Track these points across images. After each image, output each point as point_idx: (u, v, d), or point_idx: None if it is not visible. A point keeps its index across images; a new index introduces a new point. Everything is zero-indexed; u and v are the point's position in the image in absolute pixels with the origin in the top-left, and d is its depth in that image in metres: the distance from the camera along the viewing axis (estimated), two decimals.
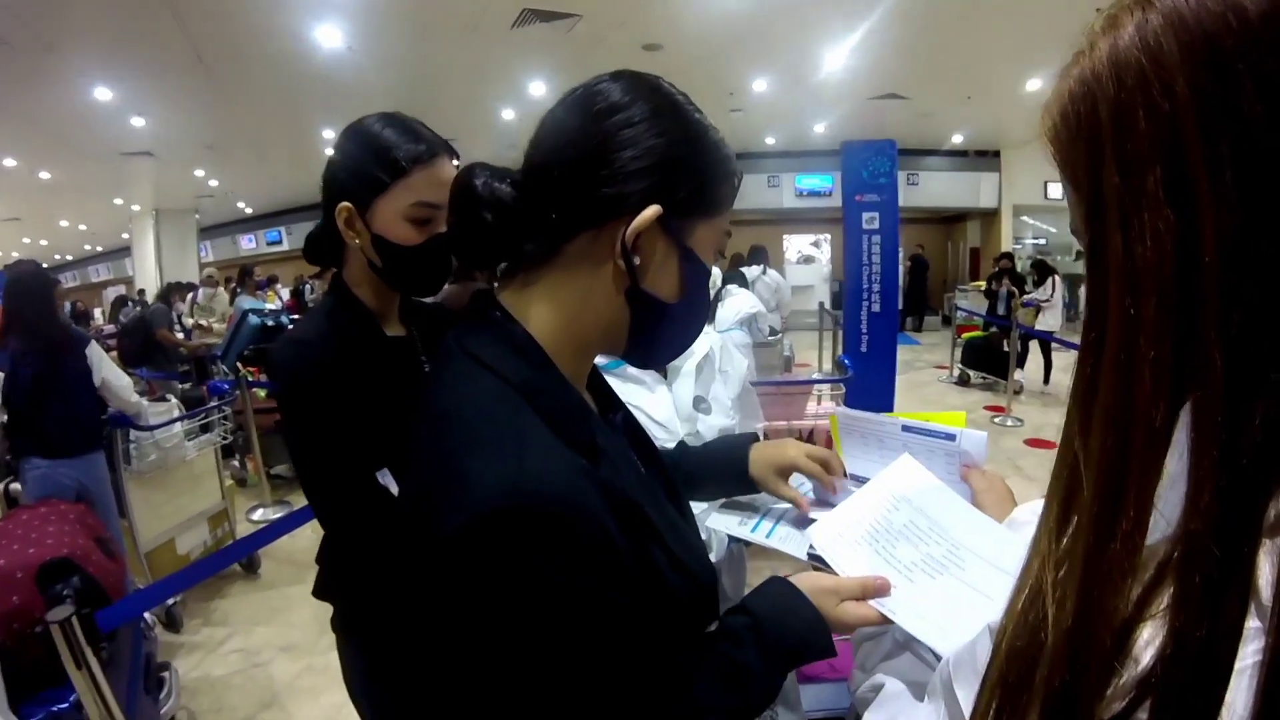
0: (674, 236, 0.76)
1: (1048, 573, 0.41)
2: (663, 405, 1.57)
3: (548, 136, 0.77)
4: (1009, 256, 9.88)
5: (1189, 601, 0.36)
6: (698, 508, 1.10)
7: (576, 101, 0.77)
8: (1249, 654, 0.35)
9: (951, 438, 1.11)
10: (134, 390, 3.58)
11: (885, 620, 0.84)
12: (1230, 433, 0.36)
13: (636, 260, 0.74)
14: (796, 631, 0.83)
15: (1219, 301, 0.36)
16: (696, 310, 0.83)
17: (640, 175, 0.73)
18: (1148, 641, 0.38)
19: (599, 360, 1.61)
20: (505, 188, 0.78)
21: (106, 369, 3.46)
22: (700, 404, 1.62)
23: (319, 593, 1.43)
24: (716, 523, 1.15)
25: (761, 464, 1.13)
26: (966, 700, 0.54)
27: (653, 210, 0.72)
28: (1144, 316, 0.38)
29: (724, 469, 1.15)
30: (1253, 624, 0.36)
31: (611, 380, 1.55)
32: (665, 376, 1.62)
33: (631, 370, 1.58)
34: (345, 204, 1.28)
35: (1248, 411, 0.36)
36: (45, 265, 4.57)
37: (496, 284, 0.83)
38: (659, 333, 0.81)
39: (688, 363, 1.62)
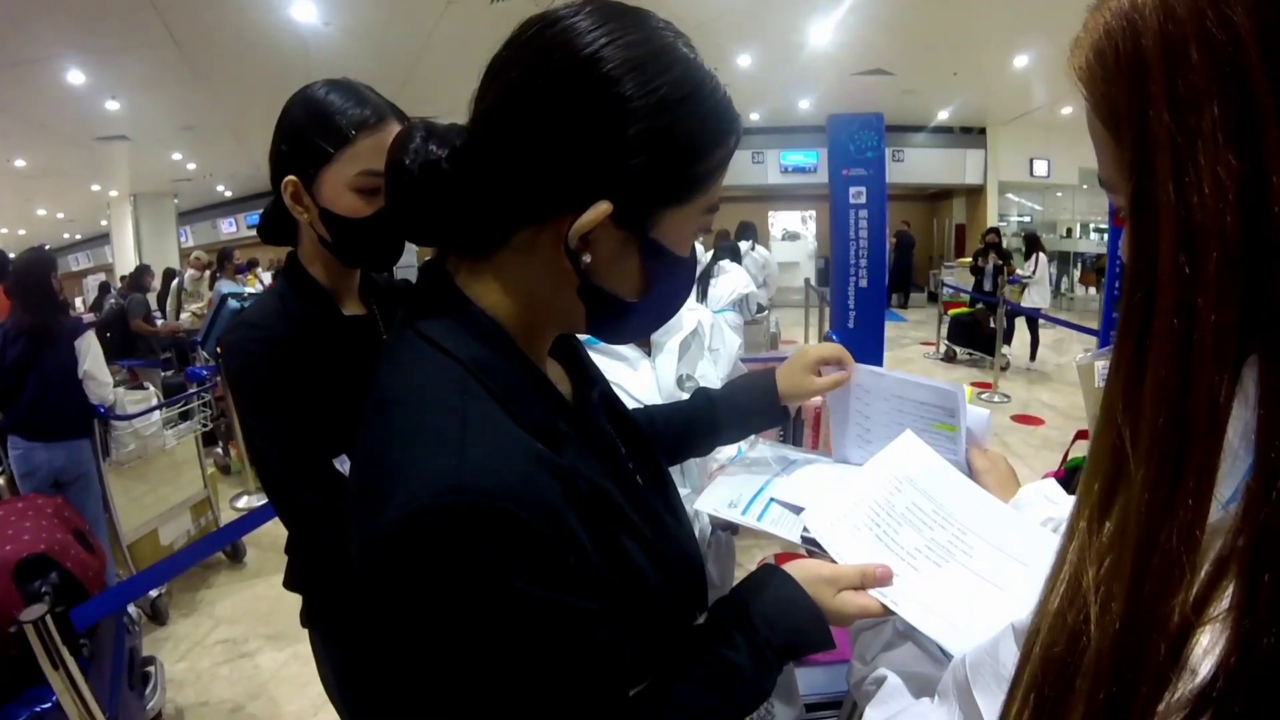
0: (633, 230, 0.66)
1: (1089, 567, 0.37)
2: (645, 382, 1.53)
3: (488, 94, 0.67)
4: (995, 232, 9.88)
5: (1257, 603, 0.31)
6: (684, 490, 1.07)
7: (528, 49, 0.65)
8: None
9: (953, 414, 1.06)
10: (110, 389, 3.54)
11: (887, 612, 0.80)
12: None
13: (586, 258, 0.66)
14: (791, 626, 0.78)
15: None
16: (667, 301, 0.76)
17: (589, 164, 0.63)
18: (1206, 650, 0.33)
19: (582, 335, 1.57)
20: (443, 157, 0.68)
21: (92, 363, 3.42)
22: (686, 382, 1.58)
23: (289, 584, 1.40)
24: (704, 504, 1.11)
25: (789, 380, 1.13)
26: (989, 710, 0.50)
27: (597, 211, 0.63)
28: (1203, 275, 0.33)
29: (754, 404, 1.14)
30: None
31: (593, 355, 1.52)
32: (649, 353, 1.58)
33: (613, 346, 1.54)
34: (290, 177, 1.22)
35: None
36: None
37: (449, 257, 0.75)
38: (621, 324, 0.74)
39: (671, 339, 1.58)
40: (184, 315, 8.09)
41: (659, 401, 1.52)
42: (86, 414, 3.48)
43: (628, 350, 1.55)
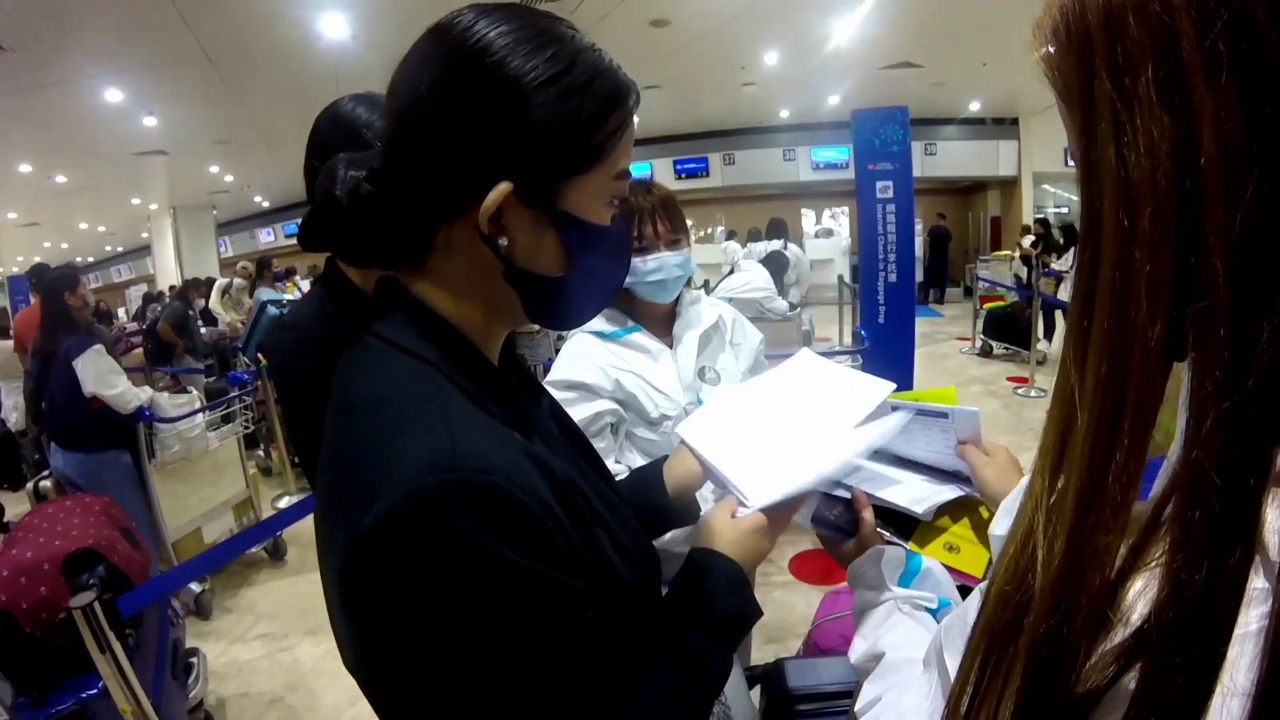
0: (541, 206, 0.68)
1: (1039, 515, 0.39)
2: (666, 373, 1.56)
3: (391, 108, 0.70)
4: (1043, 223, 9.71)
5: (1188, 541, 0.33)
6: None
7: (414, 57, 0.69)
8: (1254, 618, 0.32)
9: (944, 415, 1.06)
10: (130, 399, 3.61)
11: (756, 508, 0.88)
12: (1235, 353, 0.33)
13: (504, 242, 0.67)
14: (734, 601, 0.82)
15: (1220, 210, 0.33)
16: (601, 274, 0.76)
17: (476, 151, 0.65)
18: (1139, 593, 0.35)
19: (605, 328, 1.59)
20: (361, 179, 0.70)
21: (95, 383, 3.51)
22: (706, 374, 1.60)
23: None
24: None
25: (678, 468, 1.06)
26: (955, 667, 0.51)
27: (498, 193, 0.64)
28: (1139, 229, 0.36)
29: (649, 500, 1.04)
30: (1258, 584, 0.32)
31: (615, 347, 1.55)
32: (671, 345, 1.60)
33: (636, 338, 1.57)
34: None
35: (1254, 329, 0.33)
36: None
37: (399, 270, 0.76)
38: (559, 304, 0.74)
39: (689, 332, 1.60)
40: (223, 324, 8.31)
41: (679, 391, 1.55)
42: (107, 430, 3.60)
43: (649, 342, 1.57)
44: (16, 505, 3.43)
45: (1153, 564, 0.35)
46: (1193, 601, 0.32)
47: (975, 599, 0.54)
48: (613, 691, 0.66)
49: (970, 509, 1.02)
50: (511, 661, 0.59)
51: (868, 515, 0.97)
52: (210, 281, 9.93)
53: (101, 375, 3.53)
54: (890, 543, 0.97)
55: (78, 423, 3.57)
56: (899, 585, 0.89)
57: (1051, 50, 0.42)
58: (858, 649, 0.84)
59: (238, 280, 9.15)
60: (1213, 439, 0.33)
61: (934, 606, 0.86)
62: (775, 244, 7.45)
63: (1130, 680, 0.34)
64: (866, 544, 0.95)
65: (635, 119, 0.73)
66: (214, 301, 8.91)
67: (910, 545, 0.98)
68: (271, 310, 6.11)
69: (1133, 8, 0.36)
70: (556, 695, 0.61)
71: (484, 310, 0.73)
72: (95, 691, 2.04)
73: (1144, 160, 0.35)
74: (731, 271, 6.01)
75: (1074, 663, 0.35)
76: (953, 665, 0.52)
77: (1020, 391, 7.06)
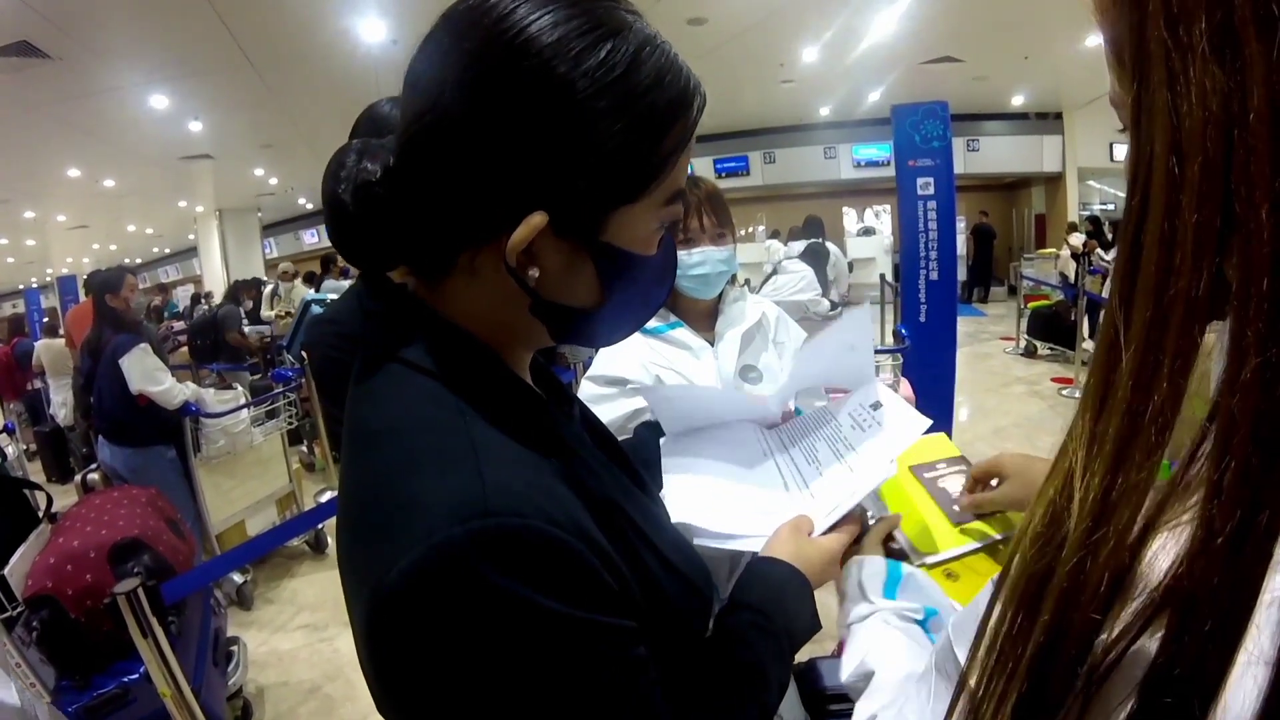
0: (579, 239, 0.59)
1: (1079, 452, 0.38)
2: (707, 372, 1.54)
3: (409, 101, 0.60)
4: (1094, 220, 9.54)
5: (1221, 490, 0.32)
6: None
7: (435, 49, 0.58)
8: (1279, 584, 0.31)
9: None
10: (176, 395, 3.72)
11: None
12: (1277, 304, 0.32)
13: (534, 273, 0.59)
14: (797, 612, 0.78)
15: (1267, 164, 0.33)
16: (637, 305, 0.68)
17: (509, 176, 0.55)
18: (1162, 548, 0.34)
19: (648, 324, 1.58)
20: (375, 179, 0.61)
21: (141, 381, 3.61)
22: (749, 373, 1.58)
23: None
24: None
25: None
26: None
27: (529, 227, 0.55)
28: (1189, 177, 0.35)
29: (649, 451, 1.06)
30: None
31: (656, 344, 1.54)
32: (713, 343, 1.58)
33: (677, 335, 1.55)
34: None
35: None
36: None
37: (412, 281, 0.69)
38: (590, 332, 0.67)
39: (732, 330, 1.58)
40: (274, 316, 8.56)
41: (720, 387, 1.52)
42: (152, 425, 3.71)
43: (691, 338, 1.55)
44: (65, 497, 3.53)
45: (1173, 523, 0.35)
46: (1222, 555, 0.31)
47: (988, 589, 0.52)
48: None
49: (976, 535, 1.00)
50: (562, 717, 0.53)
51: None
52: (256, 282, 10.16)
53: (148, 373, 3.63)
54: (895, 554, 0.94)
55: (124, 418, 3.68)
56: (884, 597, 0.85)
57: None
58: (847, 667, 0.79)
59: (284, 284, 9.43)
60: (1251, 389, 0.32)
61: (921, 618, 0.83)
62: (797, 245, 7.39)
63: (1151, 641, 0.33)
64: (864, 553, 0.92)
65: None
66: (264, 309, 9.12)
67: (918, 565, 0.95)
68: (315, 309, 6.22)
69: None
70: None
71: (507, 333, 0.66)
72: (136, 676, 2.08)
73: (1196, 110, 0.35)
74: (774, 272, 5.94)
75: (1097, 614, 0.35)
76: (963, 656, 0.50)
77: (1065, 392, 6.91)
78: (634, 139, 0.56)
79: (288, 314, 8.48)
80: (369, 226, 0.62)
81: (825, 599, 0.85)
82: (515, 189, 0.56)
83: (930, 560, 0.95)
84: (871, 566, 0.87)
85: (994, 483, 1.03)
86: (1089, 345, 7.66)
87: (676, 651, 0.67)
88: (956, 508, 1.04)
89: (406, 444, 0.56)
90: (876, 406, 1.01)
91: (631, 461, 0.85)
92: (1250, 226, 0.33)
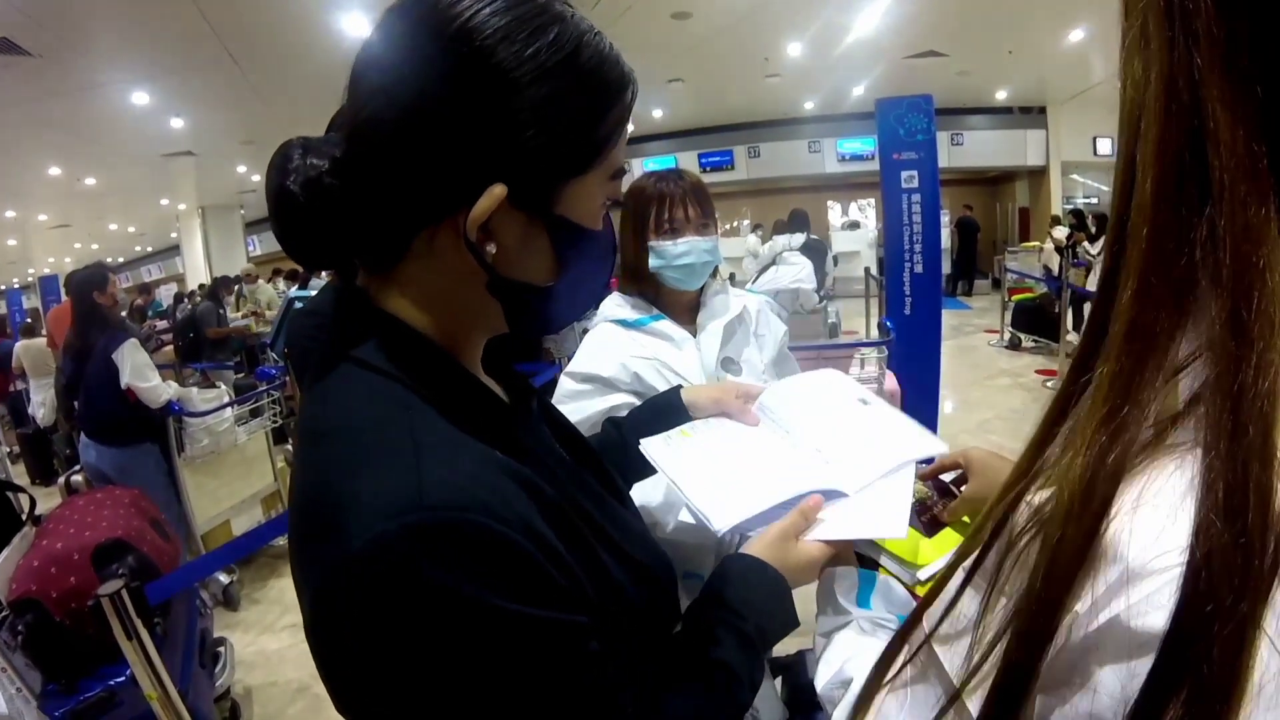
0: (535, 211, 0.62)
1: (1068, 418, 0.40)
2: (689, 360, 1.54)
3: (358, 93, 0.62)
4: (1078, 214, 9.61)
5: (1216, 446, 0.33)
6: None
7: (386, 37, 0.61)
8: None
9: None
10: (161, 393, 3.67)
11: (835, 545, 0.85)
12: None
13: (491, 249, 0.61)
14: (771, 611, 0.78)
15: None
16: (586, 281, 0.70)
17: (468, 150, 0.58)
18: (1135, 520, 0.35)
19: (629, 316, 1.57)
20: (323, 171, 0.63)
21: (132, 374, 3.56)
22: (730, 365, 1.58)
23: None
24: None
25: (695, 392, 1.12)
26: (950, 657, 0.48)
27: (491, 198, 0.58)
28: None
29: (660, 418, 1.09)
30: None
31: (638, 335, 1.54)
32: (695, 334, 1.59)
33: (659, 326, 1.55)
34: None
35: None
36: None
37: (360, 276, 0.69)
38: (543, 314, 0.69)
39: (713, 322, 1.58)
40: (243, 315, 8.57)
41: (703, 380, 1.52)
42: (140, 423, 3.66)
43: (673, 329, 1.55)
44: (48, 500, 3.50)
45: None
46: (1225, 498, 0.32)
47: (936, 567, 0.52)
48: None
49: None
50: (510, 714, 0.54)
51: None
52: (238, 279, 10.13)
53: (139, 368, 3.60)
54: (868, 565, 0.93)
55: (112, 416, 3.63)
56: (859, 606, 0.84)
57: None
58: (823, 676, 0.79)
59: (248, 285, 9.61)
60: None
61: (895, 626, 0.82)
62: (799, 237, 7.42)
63: (1131, 612, 0.33)
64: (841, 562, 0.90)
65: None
66: (230, 311, 9.12)
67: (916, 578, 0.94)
68: (298, 306, 6.19)
69: None
70: None
71: (461, 319, 0.67)
72: (123, 679, 2.06)
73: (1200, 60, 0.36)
74: (773, 263, 5.98)
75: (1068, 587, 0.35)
76: (944, 652, 0.50)
77: (1050, 384, 6.95)
78: (583, 114, 0.61)
79: (253, 313, 8.59)
80: (320, 218, 0.63)
81: (814, 590, 0.85)
82: (473, 163, 0.59)
83: (924, 575, 0.93)
84: (845, 576, 0.86)
85: (949, 476, 1.02)
86: (1073, 337, 7.72)
87: (641, 649, 0.67)
88: (924, 519, 1.03)
89: (349, 443, 0.57)
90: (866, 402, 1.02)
91: (598, 459, 0.86)
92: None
